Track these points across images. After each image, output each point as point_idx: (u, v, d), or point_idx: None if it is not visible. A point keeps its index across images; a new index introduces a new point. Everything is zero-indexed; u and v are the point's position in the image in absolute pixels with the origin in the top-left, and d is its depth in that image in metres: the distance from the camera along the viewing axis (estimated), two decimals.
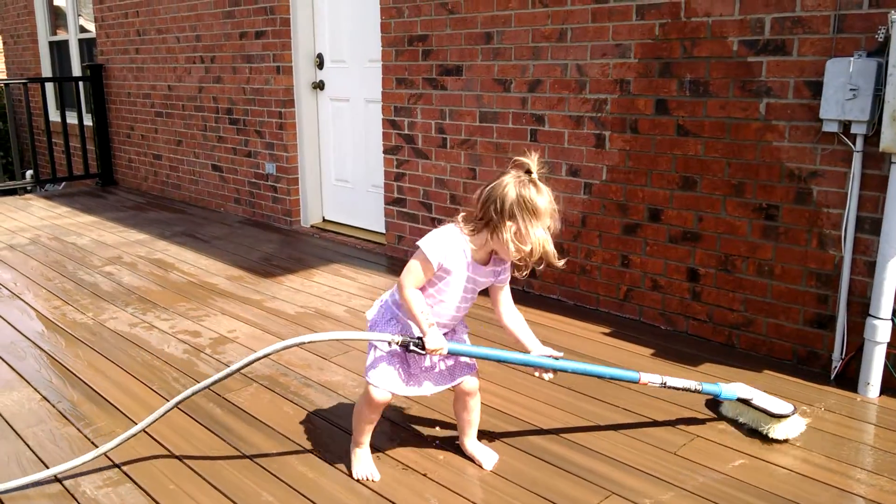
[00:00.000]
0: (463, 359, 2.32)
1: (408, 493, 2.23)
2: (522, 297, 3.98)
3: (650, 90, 3.45)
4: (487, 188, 2.08)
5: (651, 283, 3.59)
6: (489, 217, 2.06)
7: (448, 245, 2.12)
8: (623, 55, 3.51)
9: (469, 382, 2.34)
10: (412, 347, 2.14)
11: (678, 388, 2.47)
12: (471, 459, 2.41)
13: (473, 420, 2.41)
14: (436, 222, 4.55)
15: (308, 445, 2.51)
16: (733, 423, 2.66)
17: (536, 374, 2.27)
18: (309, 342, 2.19)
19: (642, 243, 3.59)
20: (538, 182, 2.05)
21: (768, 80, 3.06)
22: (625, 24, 3.48)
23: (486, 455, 2.41)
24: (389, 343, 2.18)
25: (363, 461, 2.34)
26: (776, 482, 2.27)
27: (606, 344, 3.38)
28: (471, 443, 2.44)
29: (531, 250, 2.06)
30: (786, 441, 2.52)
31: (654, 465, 2.38)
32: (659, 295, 3.57)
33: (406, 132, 4.65)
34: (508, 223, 2.04)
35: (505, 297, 2.31)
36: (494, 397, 2.85)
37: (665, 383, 2.42)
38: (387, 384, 2.23)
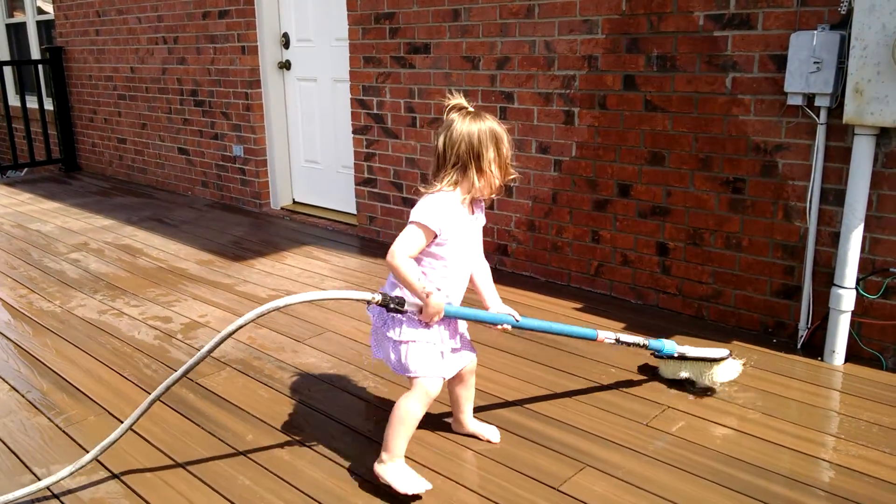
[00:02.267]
0: (463, 332, 2.31)
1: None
2: (495, 274, 3.98)
3: (618, 66, 3.45)
4: (445, 139, 2.08)
5: (621, 258, 3.62)
6: (463, 161, 2.07)
7: (445, 208, 2.09)
8: (591, 31, 3.51)
9: (474, 358, 2.36)
10: (392, 306, 2.07)
11: (629, 344, 2.53)
12: (474, 437, 2.41)
13: (472, 396, 2.42)
14: (407, 202, 4.54)
15: (284, 429, 2.51)
16: (674, 382, 2.75)
17: (498, 328, 2.28)
18: (284, 306, 2.08)
19: (612, 219, 3.62)
20: (480, 112, 2.12)
21: (734, 54, 3.09)
22: (592, 0, 3.47)
23: (490, 430, 2.42)
24: (368, 302, 2.09)
25: (408, 473, 2.14)
26: (745, 450, 2.32)
27: (578, 319, 3.41)
28: (472, 420, 2.44)
29: (506, 172, 2.13)
30: (728, 383, 2.69)
31: (627, 436, 2.42)
32: (629, 269, 3.60)
33: (375, 111, 4.61)
34: (487, 155, 2.07)
35: (479, 242, 2.29)
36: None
37: (619, 339, 2.50)
38: (439, 371, 2.16)
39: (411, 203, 4.48)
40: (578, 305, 3.58)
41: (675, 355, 2.66)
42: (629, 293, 3.63)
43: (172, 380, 2.13)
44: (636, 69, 3.39)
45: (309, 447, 2.39)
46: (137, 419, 2.17)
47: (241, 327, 2.10)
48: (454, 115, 2.11)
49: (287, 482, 2.20)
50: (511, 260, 4.06)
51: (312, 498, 2.13)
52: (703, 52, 3.17)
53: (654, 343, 2.60)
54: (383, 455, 2.15)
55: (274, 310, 2.07)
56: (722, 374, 2.68)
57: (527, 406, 2.63)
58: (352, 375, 2.89)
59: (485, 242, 4.18)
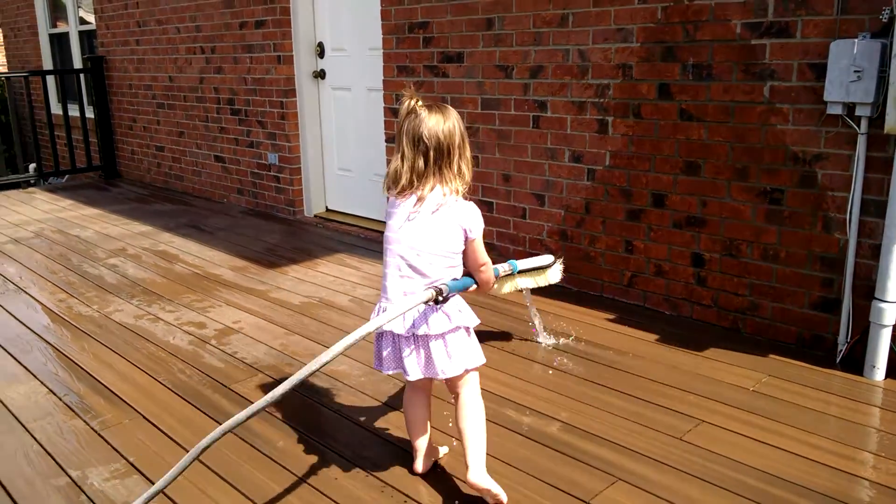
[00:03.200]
0: None
1: (415, 483, 2.24)
2: None
3: (653, 74, 3.42)
4: (419, 140, 2.02)
5: (655, 269, 3.58)
6: (443, 160, 2.04)
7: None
8: (625, 39, 3.49)
9: None
10: (445, 295, 2.01)
11: (526, 270, 3.08)
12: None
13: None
14: None
15: (315, 436, 2.52)
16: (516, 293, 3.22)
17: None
18: (366, 334, 1.91)
19: (646, 229, 3.58)
20: (433, 105, 2.08)
21: (772, 62, 3.04)
22: (627, 9, 3.45)
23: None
24: (436, 301, 2.00)
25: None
26: (781, 466, 2.27)
27: (610, 330, 3.38)
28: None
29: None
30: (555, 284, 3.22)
31: (660, 450, 2.38)
32: (663, 280, 3.56)
33: None
34: (465, 151, 2.08)
35: None
36: (494, 383, 2.85)
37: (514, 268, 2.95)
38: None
39: None
40: (611, 316, 3.54)
41: (518, 270, 3.05)
42: (663, 304, 3.58)
43: (255, 409, 1.88)
44: (671, 78, 3.36)
45: (339, 455, 2.39)
46: (203, 450, 1.94)
47: (326, 363, 1.88)
48: (417, 114, 2.04)
49: (318, 490, 2.21)
50: None
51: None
52: (740, 61, 3.13)
53: (514, 265, 3.01)
54: (481, 464, 2.06)
55: (359, 339, 1.91)
56: (553, 277, 3.20)
57: (557, 418, 2.60)
58: (382, 384, 2.89)
59: (517, 252, 4.17)
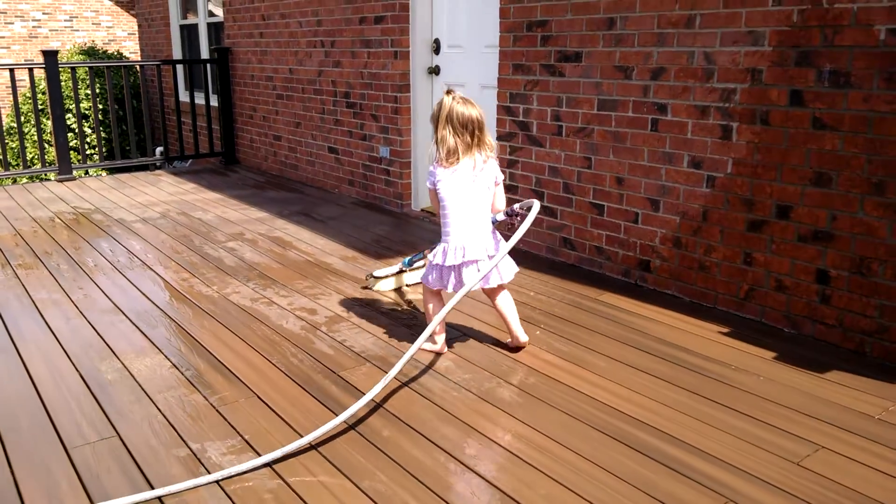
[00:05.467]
0: None
1: (519, 484, 2.24)
2: (635, 291, 3.89)
3: (784, 80, 3.27)
4: (467, 122, 2.97)
5: (776, 283, 3.42)
6: (480, 135, 3.04)
7: None
8: (756, 43, 3.34)
9: None
10: (511, 215, 3.11)
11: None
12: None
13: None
14: (548, 211, 4.51)
15: (420, 430, 2.56)
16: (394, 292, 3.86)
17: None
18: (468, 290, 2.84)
19: (768, 241, 3.42)
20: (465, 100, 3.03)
21: None
22: (759, 11, 3.31)
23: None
24: (511, 222, 3.09)
25: None
26: None
27: (724, 344, 3.26)
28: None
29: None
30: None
31: (776, 473, 2.28)
32: (784, 296, 3.40)
33: (521, 119, 4.61)
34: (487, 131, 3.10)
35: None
36: (606, 393, 2.80)
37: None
38: None
39: (552, 212, 4.45)
40: (725, 329, 3.41)
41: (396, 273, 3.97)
42: (782, 321, 3.42)
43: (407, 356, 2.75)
44: (805, 84, 3.20)
45: (446, 452, 2.41)
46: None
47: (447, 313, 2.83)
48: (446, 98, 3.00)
49: (424, 483, 2.24)
50: (653, 276, 3.94)
51: (445, 500, 2.15)
52: (883, 69, 2.94)
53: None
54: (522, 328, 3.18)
55: (463, 295, 2.81)
56: (412, 278, 3.99)
57: (667, 432, 2.53)
58: (485, 383, 2.90)
59: (626, 257, 4.09)
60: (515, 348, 3.18)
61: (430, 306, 3.17)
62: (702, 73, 3.58)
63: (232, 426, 2.57)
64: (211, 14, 8.73)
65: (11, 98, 7.24)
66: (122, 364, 3.06)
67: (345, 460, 2.36)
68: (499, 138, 4.80)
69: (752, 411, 2.66)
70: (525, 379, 2.93)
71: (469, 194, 2.96)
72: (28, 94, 10.51)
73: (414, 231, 5.29)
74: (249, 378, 2.94)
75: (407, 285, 4.01)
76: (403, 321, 3.53)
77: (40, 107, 8.60)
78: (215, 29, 8.63)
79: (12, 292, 3.93)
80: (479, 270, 2.94)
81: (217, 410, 2.68)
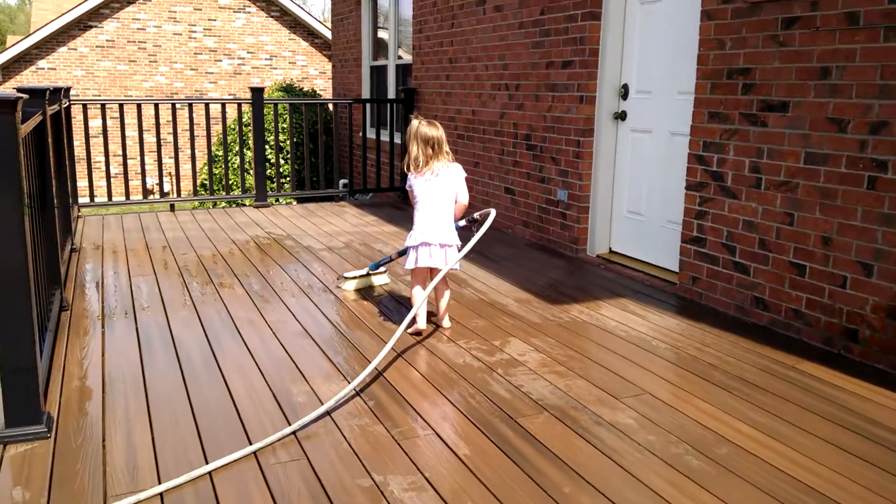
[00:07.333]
0: None
1: None
2: (837, 361, 3.55)
3: None
4: (427, 140, 3.82)
5: None
6: (440, 148, 3.89)
7: None
8: None
9: None
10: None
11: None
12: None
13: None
14: (737, 267, 4.25)
15: (602, 489, 2.45)
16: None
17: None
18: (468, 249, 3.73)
19: None
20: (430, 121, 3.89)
21: None
22: None
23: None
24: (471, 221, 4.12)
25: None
26: None
27: None
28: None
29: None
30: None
31: None
32: None
33: (714, 169, 4.41)
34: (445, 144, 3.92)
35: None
36: (810, 474, 2.55)
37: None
38: None
39: (744, 269, 4.18)
40: None
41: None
42: None
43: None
44: None
45: None
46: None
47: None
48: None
49: None
50: (860, 348, 3.57)
51: None
52: None
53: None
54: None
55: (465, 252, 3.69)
56: (381, 279, 4.78)
57: None
58: (670, 447, 2.73)
59: (829, 323, 3.75)
60: (437, 326, 3.99)
61: (415, 290, 3.95)
62: None
63: (413, 461, 2.59)
64: (399, 57, 9.17)
65: (208, 127, 7.93)
66: (311, 387, 3.19)
67: None
68: (688, 188, 4.61)
69: None
70: (716, 448, 2.74)
71: (433, 194, 3.83)
72: (233, 126, 11.52)
73: (588, 277, 5.18)
74: (428, 414, 2.97)
75: (372, 286, 4.76)
76: (580, 373, 3.43)
77: (243, 138, 9.38)
78: (403, 70, 9.05)
79: (214, 308, 4.25)
80: (430, 256, 3.78)
81: (398, 443, 2.71)
